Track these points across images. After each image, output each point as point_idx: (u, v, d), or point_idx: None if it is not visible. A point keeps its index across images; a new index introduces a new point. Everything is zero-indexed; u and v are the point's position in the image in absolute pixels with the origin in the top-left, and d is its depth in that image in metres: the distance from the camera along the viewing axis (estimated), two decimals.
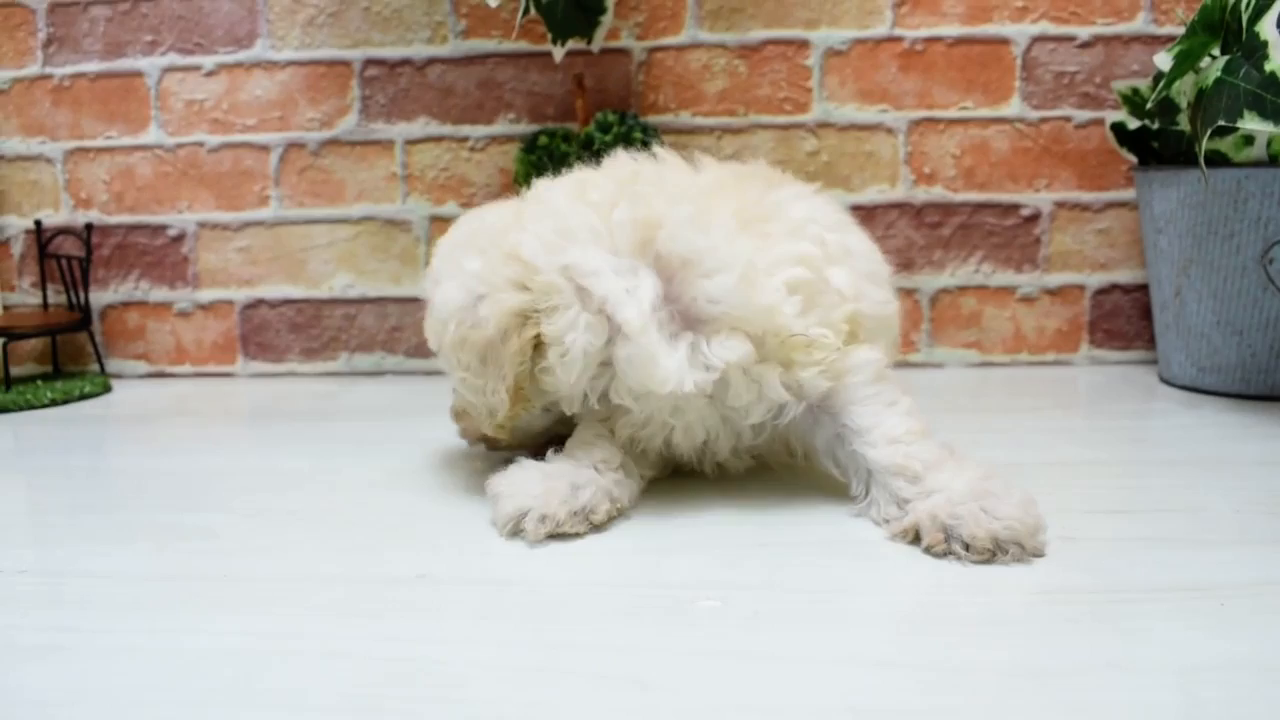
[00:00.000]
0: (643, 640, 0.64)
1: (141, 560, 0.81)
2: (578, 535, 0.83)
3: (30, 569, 0.80)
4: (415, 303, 1.59)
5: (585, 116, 1.44)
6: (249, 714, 0.56)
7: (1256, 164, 1.25)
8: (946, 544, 0.77)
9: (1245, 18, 1.10)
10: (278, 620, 0.69)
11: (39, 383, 1.49)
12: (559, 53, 1.38)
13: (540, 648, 0.64)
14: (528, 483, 0.85)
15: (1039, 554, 0.77)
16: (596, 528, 0.84)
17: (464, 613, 0.69)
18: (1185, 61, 1.19)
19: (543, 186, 0.94)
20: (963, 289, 1.54)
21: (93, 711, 0.57)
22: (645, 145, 1.38)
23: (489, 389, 0.87)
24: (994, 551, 0.76)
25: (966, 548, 0.76)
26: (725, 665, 0.61)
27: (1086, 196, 1.51)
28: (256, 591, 0.74)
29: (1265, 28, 1.06)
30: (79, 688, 0.59)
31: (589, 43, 1.41)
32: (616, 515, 0.86)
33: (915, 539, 0.80)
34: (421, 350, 1.59)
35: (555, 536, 0.82)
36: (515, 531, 0.82)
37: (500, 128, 1.55)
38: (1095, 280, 1.53)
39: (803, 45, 1.50)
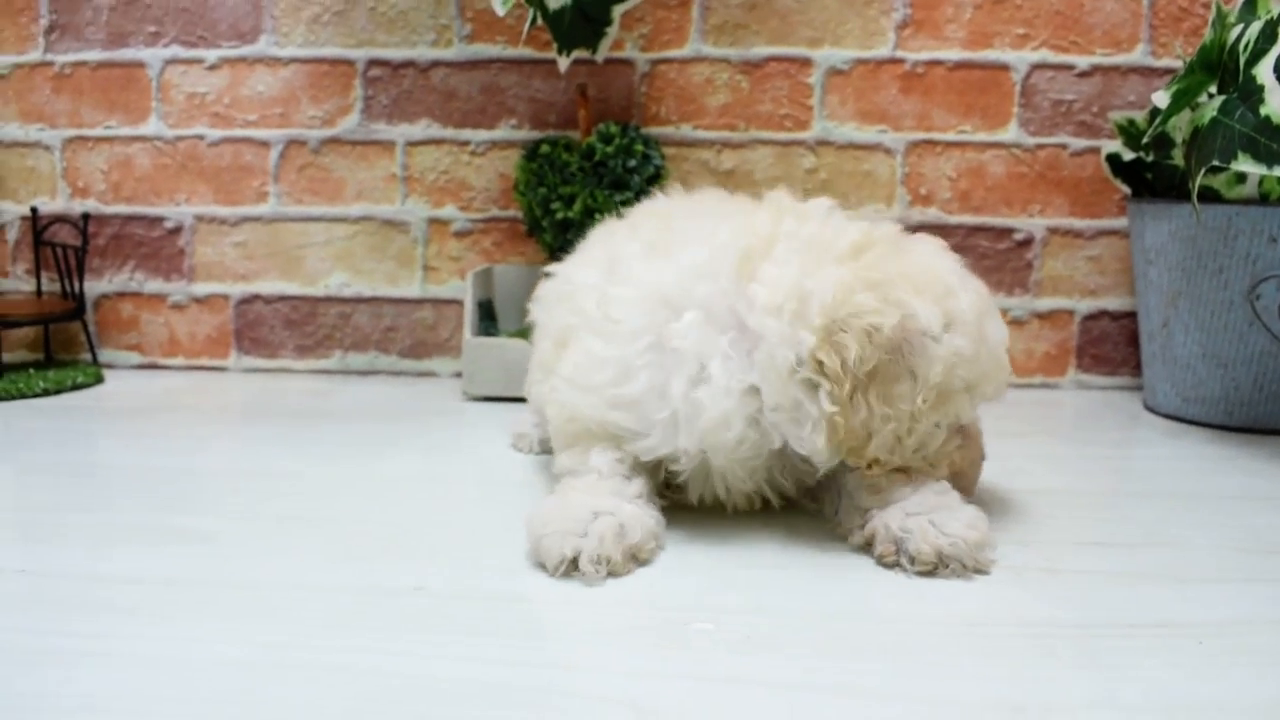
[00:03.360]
0: (638, 663, 0.66)
1: (141, 563, 0.82)
2: (627, 574, 0.80)
3: (29, 569, 0.80)
4: (411, 303, 1.59)
5: (587, 127, 1.45)
6: None
7: (1247, 201, 1.27)
8: (896, 555, 0.81)
9: (1243, 60, 1.12)
10: (279, 631, 0.70)
11: (31, 371, 1.49)
12: (564, 63, 1.39)
13: (536, 667, 0.65)
14: (575, 520, 0.81)
15: (982, 571, 0.80)
16: (642, 565, 0.82)
17: (461, 628, 0.70)
18: (1183, 99, 1.20)
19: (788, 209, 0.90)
20: None
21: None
22: (646, 158, 1.40)
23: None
24: (937, 565, 0.80)
25: (912, 561, 0.80)
26: (719, 691, 0.62)
27: (1079, 223, 1.53)
28: (257, 599, 0.75)
29: (1262, 72, 1.08)
30: (85, 693, 0.60)
31: (593, 53, 1.42)
32: (656, 554, 0.84)
33: (872, 549, 0.83)
34: (415, 351, 1.60)
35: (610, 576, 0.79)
36: (568, 573, 0.78)
37: (502, 133, 1.55)
38: (1084, 306, 1.55)
39: (805, 63, 1.52)
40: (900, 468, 0.84)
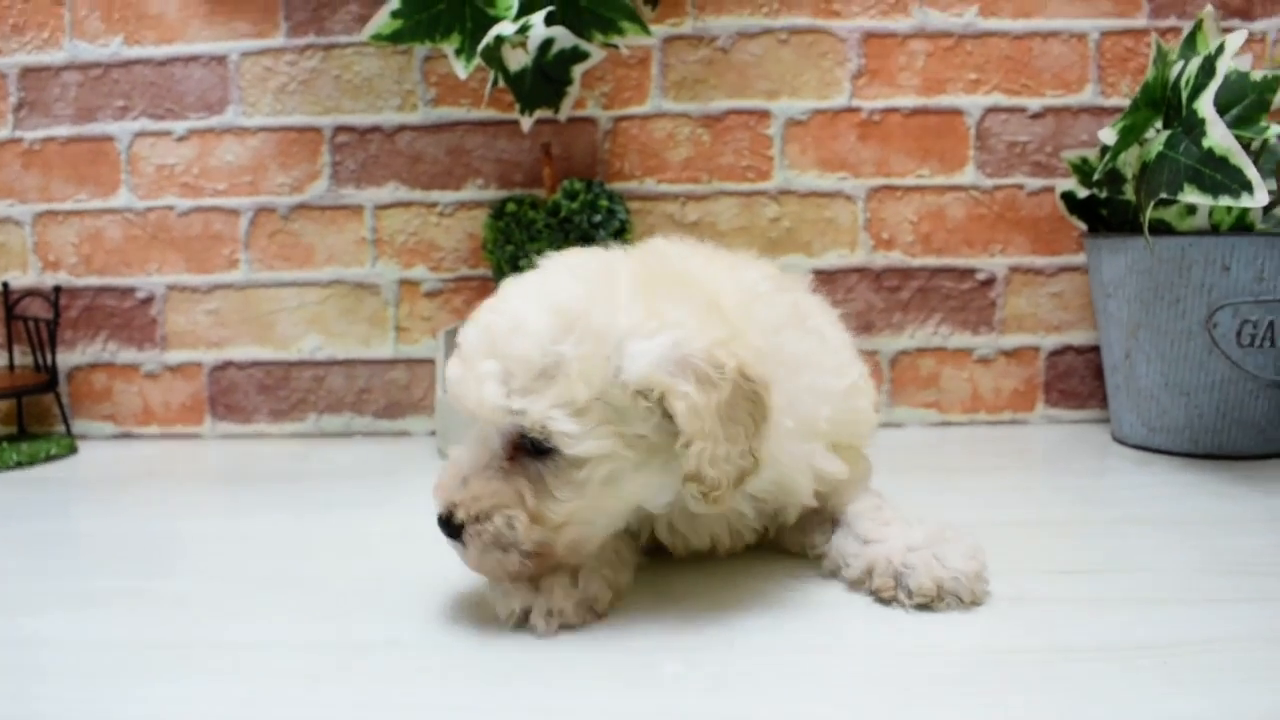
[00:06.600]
0: (612, 706, 0.66)
1: (112, 627, 0.82)
2: (583, 624, 0.79)
3: (7, 639, 0.80)
4: (384, 364, 1.60)
5: (552, 184, 1.47)
6: None
7: (1199, 232, 1.29)
8: (894, 591, 0.82)
9: (1185, 95, 1.16)
10: (253, 689, 0.70)
11: (4, 444, 1.48)
12: (527, 123, 1.42)
13: (514, 712, 0.65)
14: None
15: (979, 603, 0.81)
16: (600, 617, 0.81)
17: (436, 679, 0.71)
18: (1129, 135, 1.24)
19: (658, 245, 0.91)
20: (921, 350, 1.57)
21: None
22: (611, 213, 1.42)
23: (737, 451, 0.76)
24: (935, 599, 0.80)
25: (910, 595, 0.81)
26: None
27: (1040, 261, 1.56)
28: (231, 659, 0.75)
29: (1203, 105, 1.11)
30: None
31: (556, 112, 1.45)
32: (617, 603, 0.83)
33: (869, 583, 0.83)
34: (390, 411, 1.61)
35: (563, 628, 0.78)
36: (520, 625, 0.78)
37: (469, 194, 1.58)
38: (1049, 342, 1.57)
39: (764, 115, 1.55)
40: None
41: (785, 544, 0.95)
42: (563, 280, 0.79)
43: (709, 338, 0.75)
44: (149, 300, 1.62)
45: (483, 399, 0.75)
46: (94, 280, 1.62)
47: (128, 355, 1.63)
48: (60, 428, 1.62)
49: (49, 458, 1.48)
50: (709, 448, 0.74)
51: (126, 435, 1.64)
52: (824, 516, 0.92)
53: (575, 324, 0.75)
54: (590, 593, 0.80)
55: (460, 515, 0.77)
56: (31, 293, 1.60)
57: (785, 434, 0.81)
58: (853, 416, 0.91)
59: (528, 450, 0.77)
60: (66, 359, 1.63)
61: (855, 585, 0.85)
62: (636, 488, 0.79)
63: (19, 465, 1.44)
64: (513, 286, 0.81)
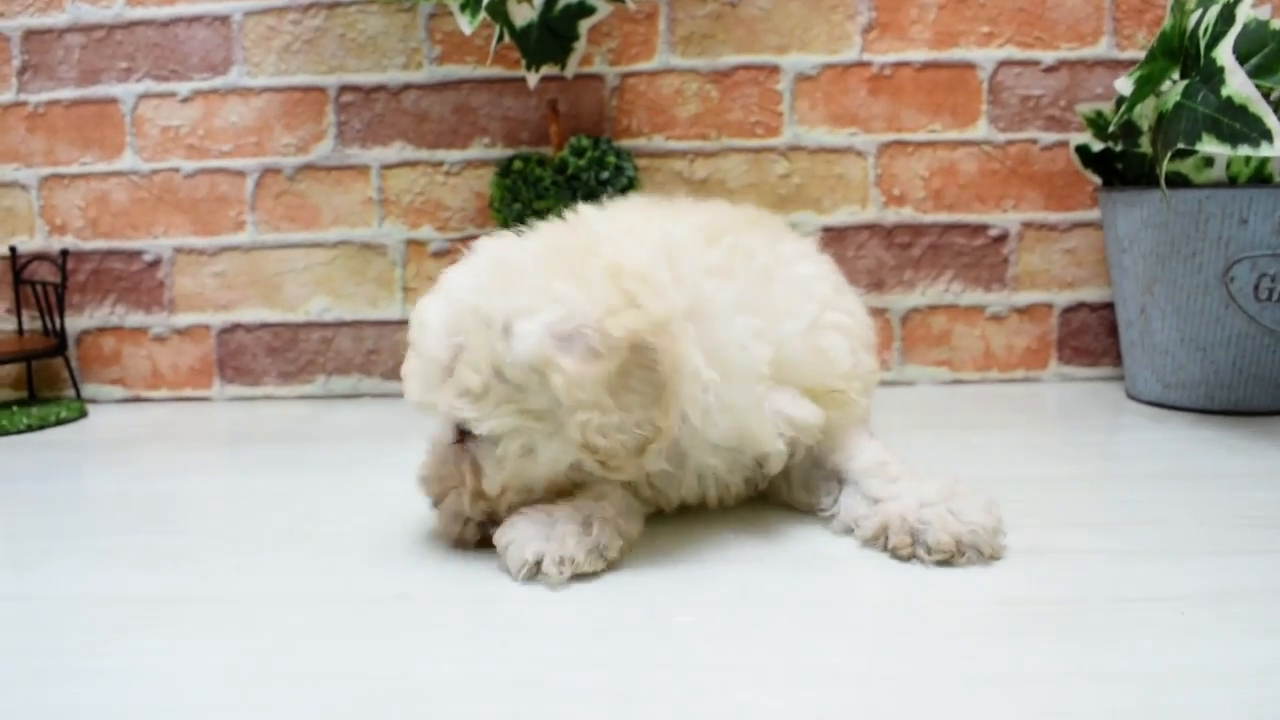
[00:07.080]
0: (621, 655, 0.66)
1: (127, 584, 0.82)
2: (595, 574, 0.79)
3: (20, 594, 0.80)
4: (392, 325, 1.60)
5: (560, 141, 1.46)
6: None
7: (1216, 185, 1.28)
8: (912, 548, 0.81)
9: (1203, 43, 1.14)
10: (262, 642, 0.70)
11: (14, 409, 1.48)
12: (533, 79, 1.40)
13: (521, 663, 0.65)
14: (537, 525, 0.81)
15: (997, 557, 0.80)
16: (611, 565, 0.81)
17: (445, 631, 0.70)
18: (1145, 86, 1.22)
19: (585, 214, 0.92)
20: (933, 308, 1.56)
21: None
22: (619, 170, 1.41)
23: (633, 420, 0.77)
24: (954, 554, 0.79)
25: (929, 551, 0.80)
26: (703, 679, 0.62)
27: (1053, 217, 1.54)
28: (239, 613, 0.75)
29: (1222, 53, 1.09)
30: (65, 712, 0.60)
31: (562, 69, 1.43)
32: (627, 551, 0.83)
33: (884, 541, 0.82)
34: (398, 372, 1.59)
35: (575, 577, 0.79)
36: (532, 577, 0.78)
37: (475, 152, 1.56)
38: (1063, 299, 1.56)
39: (773, 70, 1.53)
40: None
41: (792, 502, 0.94)
42: (457, 274, 0.85)
43: (600, 308, 0.76)
44: (156, 263, 1.61)
45: (410, 395, 0.85)
46: (101, 244, 1.62)
47: (136, 319, 1.63)
48: (70, 392, 1.62)
49: (59, 421, 1.48)
50: (595, 418, 0.76)
51: (136, 399, 1.64)
52: (827, 473, 0.91)
53: (465, 315, 0.80)
54: (602, 540, 0.80)
55: (431, 496, 0.89)
56: (39, 257, 1.60)
57: (714, 385, 0.82)
58: (816, 358, 0.89)
59: (466, 434, 0.84)
60: (75, 323, 1.63)
61: (869, 544, 0.84)
62: (556, 454, 0.82)
63: (29, 429, 1.44)
64: (441, 280, 0.86)
